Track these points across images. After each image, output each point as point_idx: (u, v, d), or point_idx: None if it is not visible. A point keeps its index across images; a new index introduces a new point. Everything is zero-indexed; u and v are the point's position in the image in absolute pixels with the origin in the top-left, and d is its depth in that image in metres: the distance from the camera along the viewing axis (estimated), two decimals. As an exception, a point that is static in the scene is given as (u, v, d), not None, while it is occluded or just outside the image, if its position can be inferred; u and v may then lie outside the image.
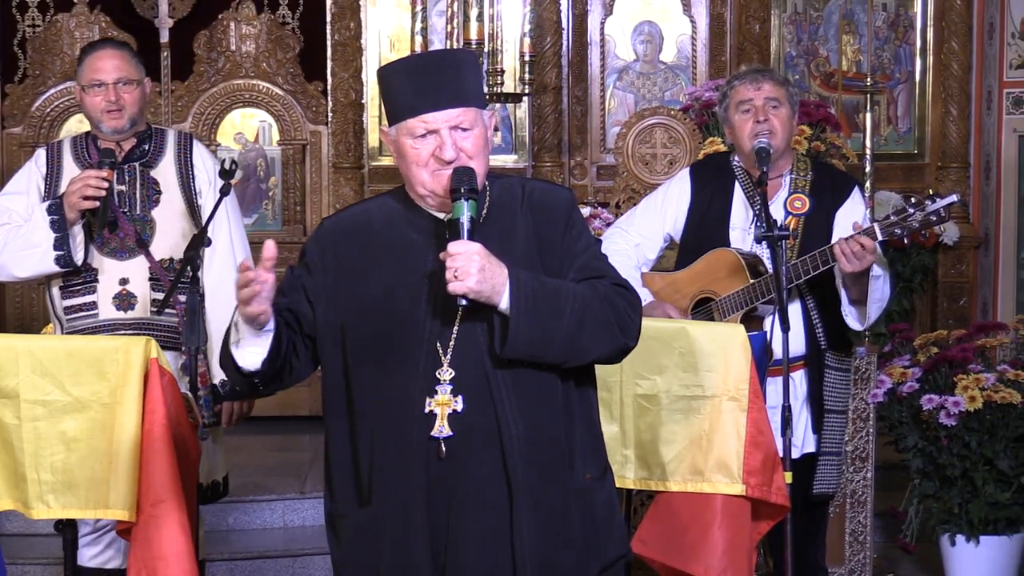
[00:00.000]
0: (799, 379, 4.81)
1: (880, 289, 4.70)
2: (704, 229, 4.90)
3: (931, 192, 4.76)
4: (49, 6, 8.29)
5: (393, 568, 3.26)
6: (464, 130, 3.23)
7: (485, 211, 3.31)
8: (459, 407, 3.20)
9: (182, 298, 4.71)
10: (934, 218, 4.57)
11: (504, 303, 3.15)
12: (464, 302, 3.13)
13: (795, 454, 4.78)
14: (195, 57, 8.31)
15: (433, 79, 3.24)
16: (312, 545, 6.44)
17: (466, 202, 3.16)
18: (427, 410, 3.20)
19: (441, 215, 3.28)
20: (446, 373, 3.21)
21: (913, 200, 4.63)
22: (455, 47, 5.45)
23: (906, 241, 4.70)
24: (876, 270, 4.64)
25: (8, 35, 8.29)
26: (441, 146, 3.22)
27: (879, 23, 8.46)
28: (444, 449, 3.19)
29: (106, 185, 4.68)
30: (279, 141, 8.39)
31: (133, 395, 3.98)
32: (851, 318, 4.76)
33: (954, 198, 4.64)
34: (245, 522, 6.64)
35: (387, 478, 3.25)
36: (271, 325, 3.22)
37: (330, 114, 8.35)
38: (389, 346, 3.25)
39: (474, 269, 3.10)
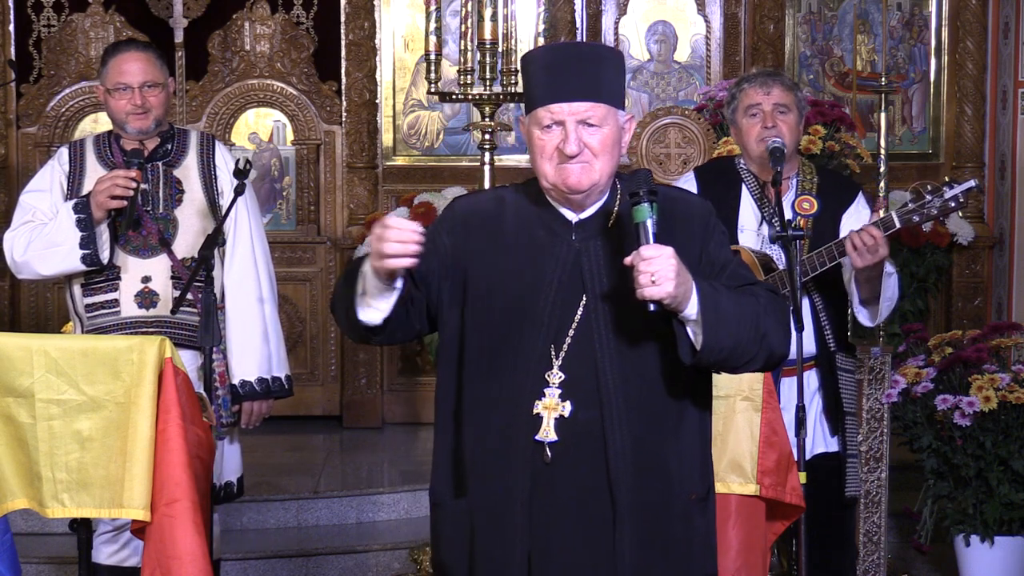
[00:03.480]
0: (809, 378, 4.82)
1: (892, 287, 4.73)
2: None
3: (947, 179, 4.74)
4: (64, 6, 8.31)
5: (487, 564, 3.22)
6: (591, 126, 3.14)
7: (614, 216, 3.23)
8: (566, 412, 3.15)
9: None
10: (952, 204, 4.59)
11: (693, 309, 3.05)
12: (653, 308, 3.01)
13: (806, 455, 4.80)
14: (209, 57, 8.33)
15: (567, 71, 3.16)
16: (326, 544, 6.45)
17: (648, 204, 3.04)
18: (535, 412, 3.16)
19: (571, 215, 3.22)
20: (556, 376, 3.16)
21: (930, 187, 4.64)
22: (469, 47, 5.43)
23: (925, 228, 4.69)
24: (889, 267, 4.66)
25: (23, 35, 8.31)
26: (565, 139, 3.14)
27: (893, 23, 8.45)
28: (549, 454, 3.15)
29: (134, 185, 4.70)
30: (293, 141, 8.39)
31: (148, 395, 3.99)
32: (862, 316, 4.78)
33: (972, 183, 4.66)
34: (259, 521, 6.65)
35: (486, 473, 3.21)
36: (399, 284, 3.11)
37: (344, 114, 8.36)
38: (503, 343, 3.19)
39: (672, 273, 2.98)
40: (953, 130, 8.43)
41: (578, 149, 3.13)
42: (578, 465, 3.16)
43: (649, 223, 3.03)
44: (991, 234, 8.30)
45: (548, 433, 3.15)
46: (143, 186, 4.82)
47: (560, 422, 3.15)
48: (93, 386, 4.01)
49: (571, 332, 3.18)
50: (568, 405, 3.15)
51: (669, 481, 3.21)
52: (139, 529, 4.07)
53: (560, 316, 3.18)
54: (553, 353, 3.17)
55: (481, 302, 3.23)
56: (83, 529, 4.32)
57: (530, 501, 3.17)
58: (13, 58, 8.16)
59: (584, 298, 3.18)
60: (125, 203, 4.70)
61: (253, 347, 4.93)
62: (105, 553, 4.87)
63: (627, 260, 3.01)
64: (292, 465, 7.34)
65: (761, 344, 3.15)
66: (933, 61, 8.52)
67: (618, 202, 3.24)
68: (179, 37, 8.13)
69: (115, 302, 4.83)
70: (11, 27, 8.25)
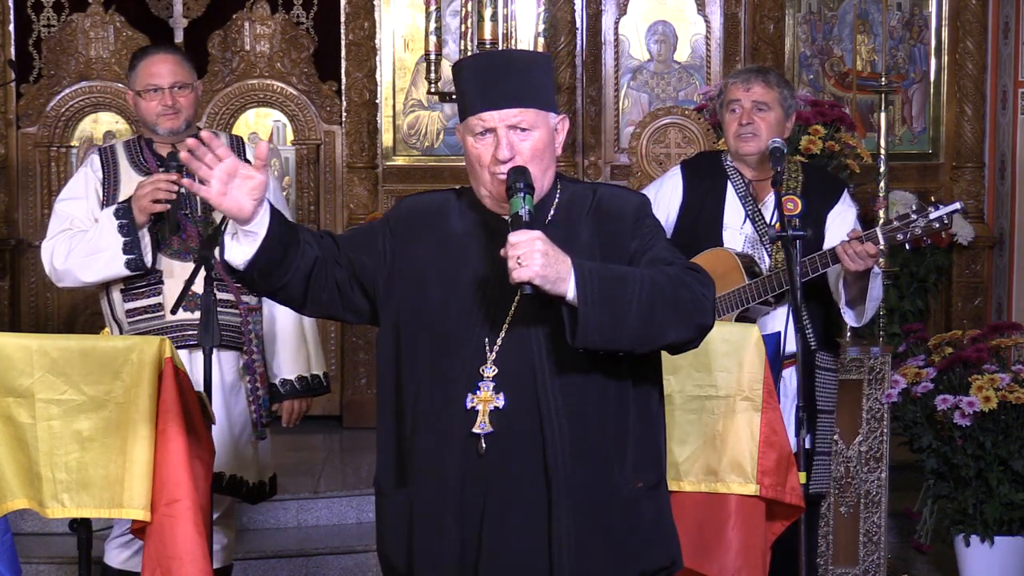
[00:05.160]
0: (789, 376, 4.83)
1: (878, 287, 4.78)
2: (697, 229, 4.90)
3: (933, 199, 4.82)
4: (64, 6, 8.30)
5: (424, 555, 3.27)
6: (523, 130, 3.21)
7: (552, 214, 3.30)
8: (500, 403, 3.19)
9: (245, 298, 4.84)
10: (937, 225, 4.63)
11: (571, 291, 3.08)
12: (529, 290, 3.06)
13: None
14: (209, 57, 8.32)
15: (496, 77, 3.22)
16: (326, 545, 6.44)
17: (522, 196, 3.12)
18: (469, 406, 3.20)
19: (506, 215, 3.26)
20: (489, 370, 3.21)
21: (914, 207, 4.70)
22: (469, 47, 5.44)
23: (908, 247, 4.74)
24: (875, 268, 4.70)
25: (23, 35, 8.30)
26: (497, 145, 3.20)
27: (893, 22, 8.45)
28: (484, 445, 3.18)
29: (176, 188, 4.71)
30: (293, 141, 8.39)
31: (147, 395, 3.99)
32: (848, 316, 4.81)
33: (957, 206, 4.70)
34: (259, 522, 6.65)
35: (424, 466, 3.26)
36: (260, 226, 3.17)
37: (344, 114, 8.36)
38: (440, 339, 3.25)
39: (537, 255, 3.03)
40: (953, 130, 8.43)
41: (510, 154, 3.19)
42: (514, 456, 3.20)
43: (522, 212, 3.10)
44: (991, 234, 8.30)
45: (484, 425, 3.19)
46: (182, 189, 4.83)
47: (495, 414, 3.19)
48: (93, 386, 4.02)
49: (505, 327, 3.23)
50: (501, 397, 3.19)
51: (610, 470, 3.25)
52: (139, 529, 4.08)
53: (494, 312, 3.23)
54: (488, 348, 3.22)
55: (418, 299, 3.29)
56: (83, 529, 4.32)
57: (465, 493, 3.21)
58: (13, 58, 8.16)
59: (518, 294, 3.21)
60: (168, 206, 4.72)
61: (293, 346, 4.99)
62: (118, 557, 4.88)
63: (502, 252, 3.07)
64: (292, 465, 7.32)
65: (655, 324, 3.15)
66: (933, 61, 8.52)
67: (556, 203, 3.31)
68: (179, 37, 8.13)
69: (159, 306, 4.83)
70: (11, 27, 8.24)
